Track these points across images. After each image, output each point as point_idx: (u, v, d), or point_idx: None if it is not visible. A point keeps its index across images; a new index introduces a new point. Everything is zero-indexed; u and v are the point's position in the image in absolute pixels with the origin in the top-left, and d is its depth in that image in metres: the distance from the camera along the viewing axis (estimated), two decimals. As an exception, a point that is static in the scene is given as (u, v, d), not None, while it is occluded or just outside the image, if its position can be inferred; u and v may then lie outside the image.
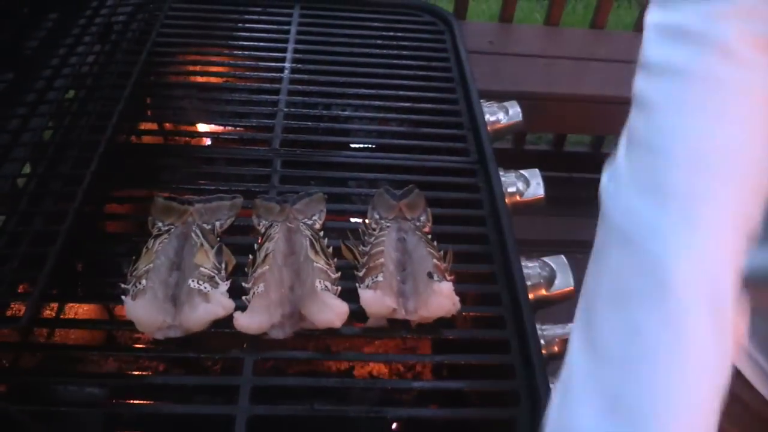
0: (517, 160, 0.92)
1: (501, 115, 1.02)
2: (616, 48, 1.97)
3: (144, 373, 0.67)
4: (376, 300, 0.64)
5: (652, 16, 0.46)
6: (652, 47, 0.45)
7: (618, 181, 0.45)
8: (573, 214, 1.96)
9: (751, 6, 0.40)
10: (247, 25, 1.05)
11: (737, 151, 0.40)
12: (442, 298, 0.64)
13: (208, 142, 0.96)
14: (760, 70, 0.40)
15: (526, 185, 0.90)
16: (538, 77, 1.76)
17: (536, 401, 0.61)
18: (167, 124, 0.93)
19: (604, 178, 0.47)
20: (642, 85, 0.46)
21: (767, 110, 0.40)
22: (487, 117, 0.97)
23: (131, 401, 0.61)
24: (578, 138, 2.37)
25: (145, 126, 0.93)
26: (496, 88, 1.60)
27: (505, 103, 1.03)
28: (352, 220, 0.80)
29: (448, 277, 0.68)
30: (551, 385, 0.64)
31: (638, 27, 2.02)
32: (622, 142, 0.47)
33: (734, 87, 0.40)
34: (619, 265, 0.42)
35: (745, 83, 0.40)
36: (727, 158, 0.40)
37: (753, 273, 0.56)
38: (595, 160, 2.18)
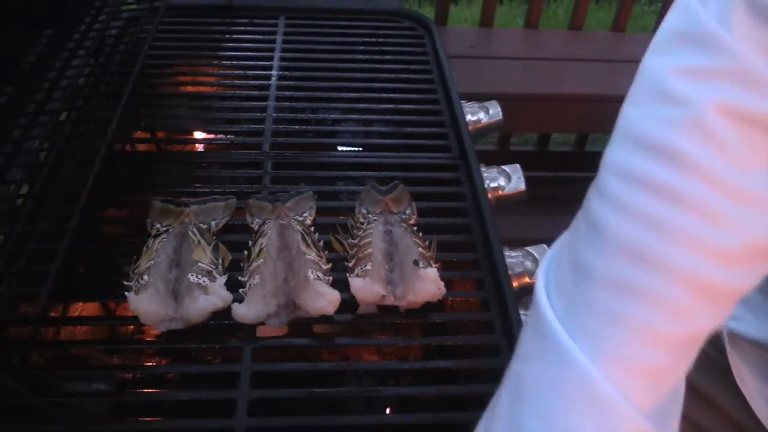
0: (502, 161, 0.96)
1: (482, 114, 1.06)
2: (594, 48, 2.02)
3: (149, 364, 0.70)
4: (366, 287, 0.68)
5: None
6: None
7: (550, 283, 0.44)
8: (559, 212, 2.01)
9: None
10: (234, 36, 1.10)
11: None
12: (428, 283, 0.68)
13: (201, 148, 0.99)
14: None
15: (507, 180, 0.94)
16: (519, 78, 1.81)
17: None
18: (161, 132, 0.97)
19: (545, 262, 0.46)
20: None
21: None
22: (469, 117, 1.01)
23: (137, 390, 0.64)
24: (564, 138, 2.42)
25: (139, 135, 0.97)
26: (478, 90, 1.64)
27: (486, 103, 1.08)
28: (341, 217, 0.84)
29: (434, 265, 0.72)
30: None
31: (615, 27, 2.07)
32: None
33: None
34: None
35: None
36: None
37: None
38: (579, 158, 2.24)
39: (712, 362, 0.72)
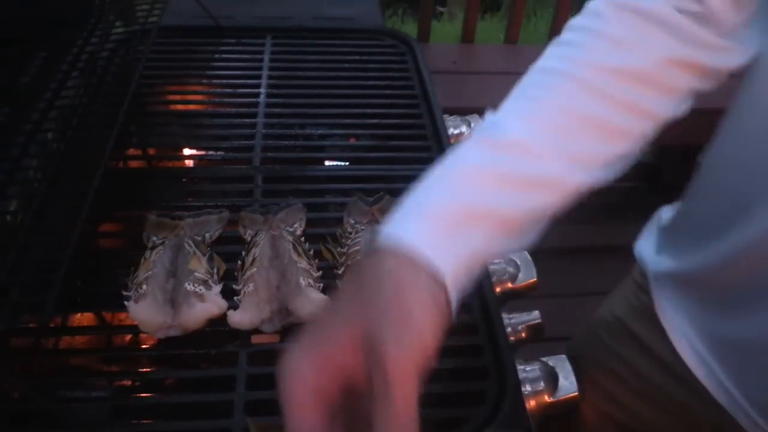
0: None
1: (464, 127, 1.11)
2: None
3: (148, 370, 0.73)
4: (355, 293, 0.71)
5: None
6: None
7: None
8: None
9: None
10: (223, 55, 1.14)
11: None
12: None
13: (192, 164, 1.03)
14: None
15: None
16: (499, 92, 1.86)
17: (503, 375, 0.69)
18: (152, 149, 1.01)
19: None
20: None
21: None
22: (451, 130, 1.06)
23: (137, 395, 0.67)
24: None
25: (132, 152, 1.00)
26: (460, 104, 1.69)
27: (468, 117, 1.12)
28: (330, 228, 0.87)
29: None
30: (516, 363, 0.72)
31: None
32: None
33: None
34: None
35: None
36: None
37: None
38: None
39: (645, 307, 0.79)
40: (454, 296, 0.46)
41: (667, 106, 0.57)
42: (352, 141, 1.04)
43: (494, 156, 0.51)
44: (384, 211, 0.85)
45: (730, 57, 0.58)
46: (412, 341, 0.42)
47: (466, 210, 0.49)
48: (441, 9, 4.27)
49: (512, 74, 1.86)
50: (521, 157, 0.51)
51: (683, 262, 0.73)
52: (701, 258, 0.69)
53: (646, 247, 0.82)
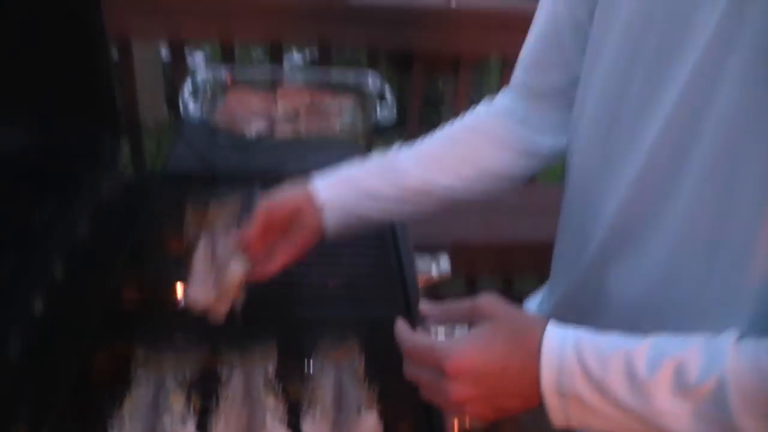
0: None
1: (432, 266, 1.22)
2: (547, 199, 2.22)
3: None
4: (316, 429, 0.80)
5: None
6: None
7: None
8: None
9: None
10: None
11: None
12: (367, 427, 0.81)
13: (182, 302, 1.12)
14: None
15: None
16: (475, 225, 1.99)
17: None
18: (147, 289, 1.11)
19: None
20: None
21: None
22: (420, 268, 1.17)
23: None
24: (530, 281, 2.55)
25: (128, 291, 1.10)
26: (431, 241, 1.80)
27: (437, 255, 1.24)
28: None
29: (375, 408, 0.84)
30: None
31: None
32: None
33: None
34: None
35: None
36: None
37: None
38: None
39: None
40: (325, 209, 0.92)
41: (500, 164, 0.97)
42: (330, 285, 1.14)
43: (378, 161, 0.98)
44: (347, 352, 0.94)
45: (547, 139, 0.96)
46: (277, 198, 0.93)
47: (350, 182, 0.94)
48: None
49: (491, 209, 1.95)
50: (393, 164, 0.96)
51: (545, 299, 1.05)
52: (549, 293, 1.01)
53: (533, 300, 1.12)
